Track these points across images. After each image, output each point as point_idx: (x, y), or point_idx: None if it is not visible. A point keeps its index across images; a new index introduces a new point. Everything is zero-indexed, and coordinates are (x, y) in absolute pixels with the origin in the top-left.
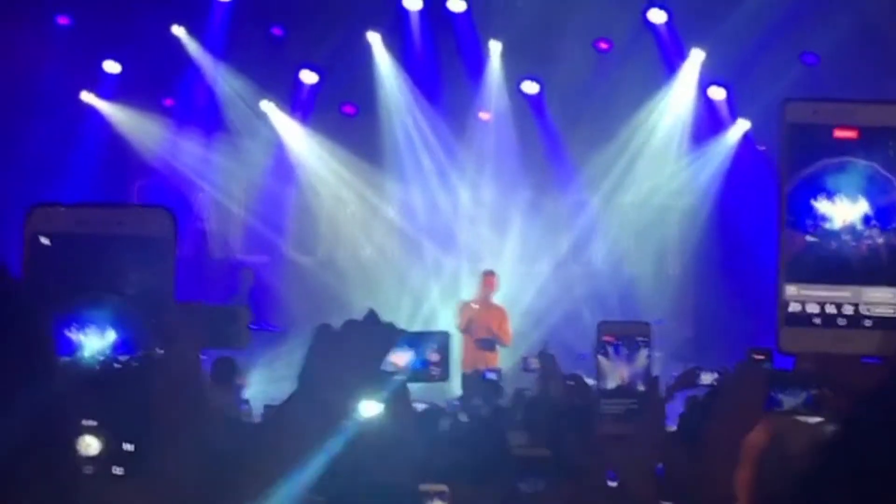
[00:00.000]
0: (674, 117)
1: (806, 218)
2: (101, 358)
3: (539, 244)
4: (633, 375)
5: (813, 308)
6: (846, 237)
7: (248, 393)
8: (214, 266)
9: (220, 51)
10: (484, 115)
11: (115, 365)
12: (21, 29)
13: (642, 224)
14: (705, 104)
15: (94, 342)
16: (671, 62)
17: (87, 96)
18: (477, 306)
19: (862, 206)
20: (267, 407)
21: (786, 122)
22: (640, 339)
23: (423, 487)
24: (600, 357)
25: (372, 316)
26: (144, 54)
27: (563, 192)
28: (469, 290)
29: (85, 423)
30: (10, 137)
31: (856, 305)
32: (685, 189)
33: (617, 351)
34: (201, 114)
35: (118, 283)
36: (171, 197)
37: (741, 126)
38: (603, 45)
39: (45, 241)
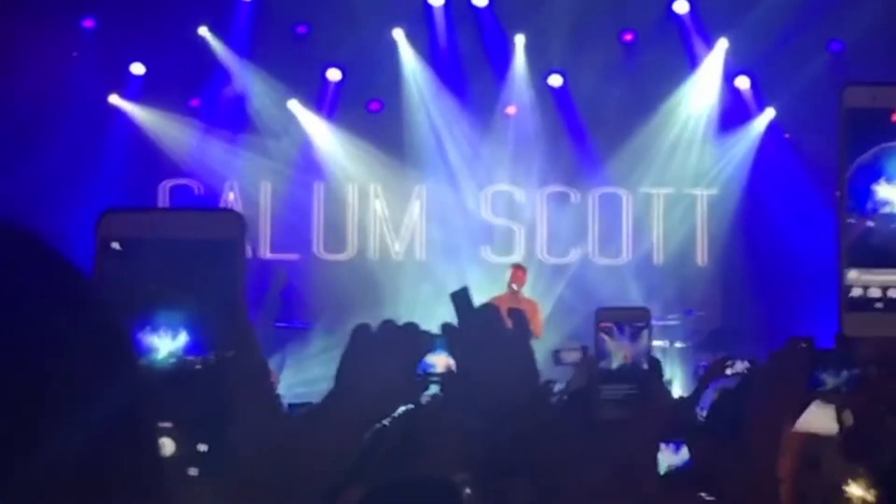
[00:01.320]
0: (699, 107)
1: (866, 202)
2: (174, 360)
3: (567, 237)
4: (637, 355)
5: (875, 292)
6: None
7: (279, 391)
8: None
9: (245, 50)
10: (510, 110)
11: (188, 366)
12: (47, 33)
13: (669, 215)
14: (731, 94)
15: (167, 344)
16: (696, 52)
17: (114, 99)
18: (506, 301)
19: None
20: (292, 406)
21: (844, 107)
22: (639, 324)
23: (458, 476)
24: (603, 335)
25: (410, 323)
26: (169, 56)
27: (590, 184)
28: (500, 285)
29: (160, 424)
30: (39, 141)
31: None
32: (712, 179)
33: (621, 330)
34: (228, 114)
35: (189, 285)
36: (199, 197)
37: (767, 115)
38: (627, 37)
39: (116, 246)
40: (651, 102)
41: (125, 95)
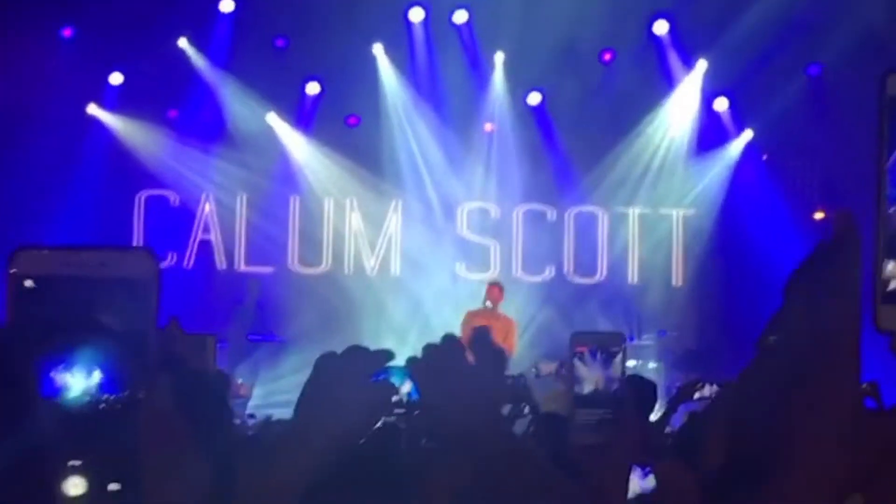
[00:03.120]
0: (678, 128)
1: None
2: (87, 398)
3: (543, 255)
4: (609, 380)
5: None
6: None
7: (251, 405)
8: (220, 277)
9: (224, 62)
10: (488, 127)
11: (101, 405)
12: (26, 41)
13: (646, 235)
14: (709, 115)
15: (80, 383)
16: (675, 73)
17: (93, 108)
18: (483, 317)
19: None
20: (250, 416)
21: (887, 95)
22: (614, 349)
23: None
24: (577, 362)
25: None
26: (148, 66)
27: (568, 203)
28: (475, 302)
29: (71, 462)
30: (16, 149)
31: None
32: (689, 200)
33: (594, 356)
34: (205, 125)
35: (102, 324)
36: (175, 208)
37: (745, 136)
38: (607, 56)
39: (29, 283)
40: (629, 122)
41: (103, 105)
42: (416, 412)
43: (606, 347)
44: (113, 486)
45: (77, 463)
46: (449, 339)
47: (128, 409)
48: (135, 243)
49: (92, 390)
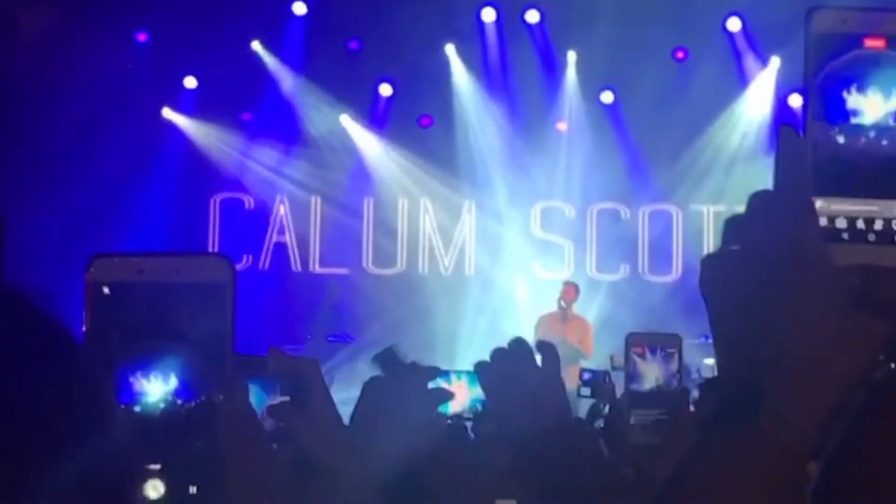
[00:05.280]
0: (752, 125)
1: (835, 112)
2: (164, 404)
3: (617, 255)
4: (669, 377)
5: (842, 223)
6: (876, 135)
7: None
8: (295, 279)
9: (297, 65)
10: (561, 126)
11: (178, 410)
12: (101, 46)
13: (720, 234)
14: (783, 111)
15: (158, 388)
16: (748, 70)
17: (167, 112)
18: (557, 319)
19: (895, 103)
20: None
21: (812, 33)
22: (670, 350)
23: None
24: (636, 358)
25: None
26: (222, 69)
27: (641, 202)
28: (549, 302)
29: (150, 467)
30: (92, 154)
31: (888, 220)
32: None
33: (653, 352)
34: (279, 127)
35: (179, 330)
36: (249, 211)
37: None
38: (680, 54)
39: (106, 290)
40: (703, 120)
41: (178, 108)
42: (484, 418)
43: (663, 348)
44: (192, 490)
45: (156, 467)
46: (517, 343)
47: (205, 414)
48: (210, 246)
49: (169, 396)
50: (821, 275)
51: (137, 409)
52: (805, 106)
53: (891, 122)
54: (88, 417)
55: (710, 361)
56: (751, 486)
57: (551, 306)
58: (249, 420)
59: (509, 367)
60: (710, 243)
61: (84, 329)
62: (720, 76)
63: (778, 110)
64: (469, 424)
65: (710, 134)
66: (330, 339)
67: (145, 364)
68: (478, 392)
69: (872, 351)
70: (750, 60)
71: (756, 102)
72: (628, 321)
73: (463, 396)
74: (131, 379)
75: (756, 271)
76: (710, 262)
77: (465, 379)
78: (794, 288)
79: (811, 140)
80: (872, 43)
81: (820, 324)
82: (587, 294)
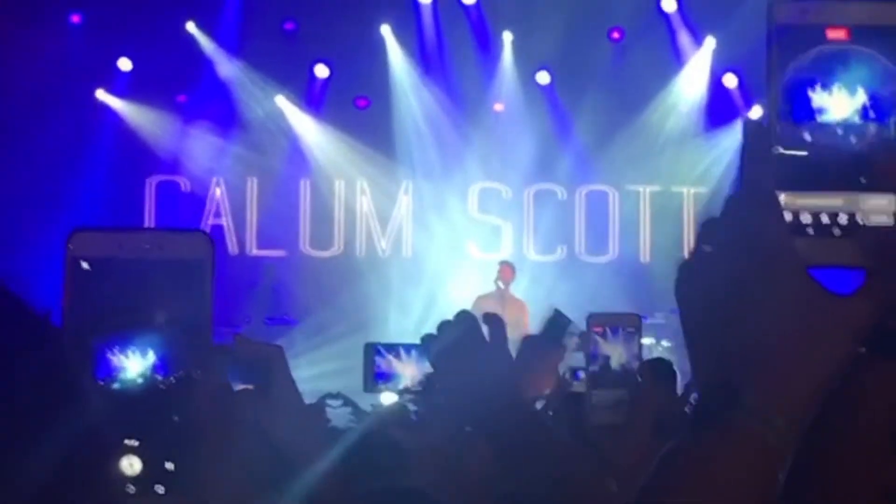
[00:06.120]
0: (687, 105)
1: (801, 109)
2: (142, 379)
3: (554, 235)
4: (630, 357)
5: (806, 218)
6: (843, 132)
7: None
8: (232, 262)
9: (232, 46)
10: (498, 107)
11: (156, 385)
12: (34, 28)
13: (657, 213)
14: (718, 91)
15: (136, 364)
16: (684, 50)
17: (101, 94)
18: (493, 300)
19: (860, 98)
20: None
21: (774, 25)
22: (630, 329)
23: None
24: (597, 337)
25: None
26: (157, 51)
27: (578, 182)
28: (487, 283)
29: (127, 442)
30: (25, 135)
31: (851, 214)
32: (699, 177)
33: (614, 332)
34: (215, 109)
35: (158, 306)
36: (185, 193)
37: (755, 112)
38: (615, 35)
39: (85, 265)
40: (639, 100)
41: (112, 91)
42: (433, 390)
43: (623, 328)
44: (168, 466)
45: (133, 443)
46: (463, 315)
47: (183, 390)
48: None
49: (147, 372)
50: (786, 269)
51: (116, 384)
52: (769, 101)
53: (857, 118)
54: (66, 391)
55: (647, 341)
56: (729, 484)
57: (489, 287)
58: (227, 396)
59: (456, 339)
60: (646, 223)
61: (63, 303)
62: (656, 56)
63: (713, 90)
64: (414, 398)
65: (646, 114)
66: (268, 321)
67: (124, 339)
68: (426, 366)
69: (848, 344)
70: (685, 40)
71: (692, 82)
72: (565, 302)
73: (412, 370)
74: (109, 354)
75: (725, 270)
76: (684, 267)
77: (413, 353)
78: (760, 283)
79: (776, 137)
80: (834, 34)
81: (789, 319)
82: (523, 275)
